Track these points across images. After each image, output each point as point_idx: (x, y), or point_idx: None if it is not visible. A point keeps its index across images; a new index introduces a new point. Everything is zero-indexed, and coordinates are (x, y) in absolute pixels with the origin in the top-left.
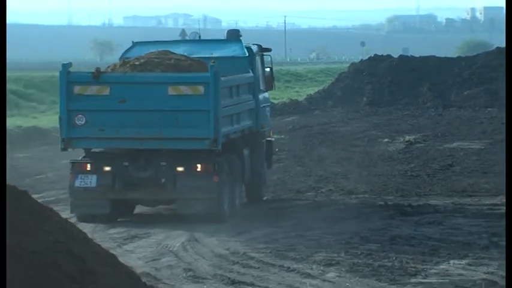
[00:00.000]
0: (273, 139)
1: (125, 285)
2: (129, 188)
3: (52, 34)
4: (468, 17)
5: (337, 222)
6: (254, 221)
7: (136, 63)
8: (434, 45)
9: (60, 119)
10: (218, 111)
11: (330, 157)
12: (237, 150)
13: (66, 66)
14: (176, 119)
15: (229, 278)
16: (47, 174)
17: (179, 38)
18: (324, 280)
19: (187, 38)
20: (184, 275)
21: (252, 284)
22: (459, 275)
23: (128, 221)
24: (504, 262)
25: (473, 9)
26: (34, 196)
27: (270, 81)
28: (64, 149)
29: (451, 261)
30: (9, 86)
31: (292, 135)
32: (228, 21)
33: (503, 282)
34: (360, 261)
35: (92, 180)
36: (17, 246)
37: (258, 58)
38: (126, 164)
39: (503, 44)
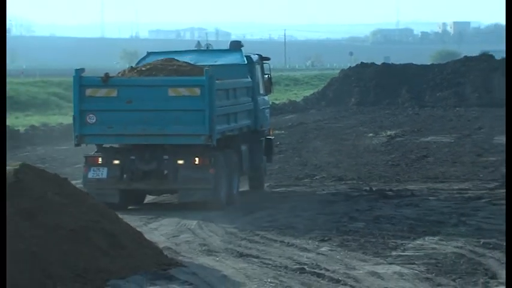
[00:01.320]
0: (273, 137)
1: (150, 257)
2: (136, 179)
3: (88, 45)
4: (440, 31)
5: (329, 204)
6: (259, 203)
7: (143, 69)
8: (411, 54)
9: (74, 118)
10: (213, 111)
11: (323, 149)
12: (234, 145)
13: (78, 71)
14: (176, 117)
15: (238, 252)
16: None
17: (195, 48)
18: (318, 253)
19: (202, 48)
20: (199, 249)
21: (258, 257)
22: (432, 248)
23: (141, 208)
24: (472, 238)
25: (444, 24)
26: (73, 182)
27: (268, 86)
28: (77, 145)
29: (426, 237)
30: (52, 89)
31: (290, 131)
32: (236, 34)
33: (470, 255)
34: (348, 237)
35: (103, 172)
36: (58, 225)
37: (258, 66)
38: (133, 157)
39: (470, 54)
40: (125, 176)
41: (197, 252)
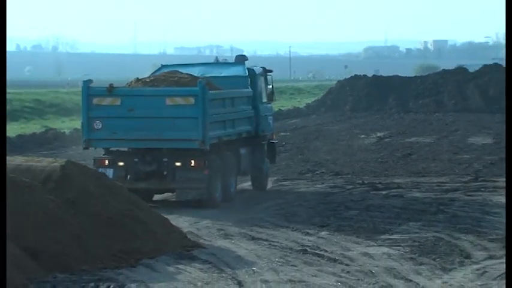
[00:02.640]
0: (276, 141)
1: (175, 240)
2: (139, 179)
3: (122, 60)
4: (422, 47)
5: (328, 195)
6: (268, 195)
7: (147, 80)
8: (397, 68)
9: (82, 124)
10: (206, 118)
11: (323, 148)
12: (233, 148)
13: (86, 82)
14: (172, 124)
15: (250, 235)
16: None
17: (212, 61)
18: (318, 237)
19: (219, 61)
20: (217, 233)
21: (267, 240)
22: (416, 233)
23: (165, 199)
24: (449, 224)
25: (425, 42)
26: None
27: (271, 95)
28: (85, 148)
29: (410, 223)
30: None
31: (294, 133)
32: (248, 51)
33: (448, 238)
34: (344, 223)
35: (109, 173)
36: (97, 213)
37: (261, 77)
38: (136, 160)
39: (447, 67)
40: (128, 176)
41: (215, 236)
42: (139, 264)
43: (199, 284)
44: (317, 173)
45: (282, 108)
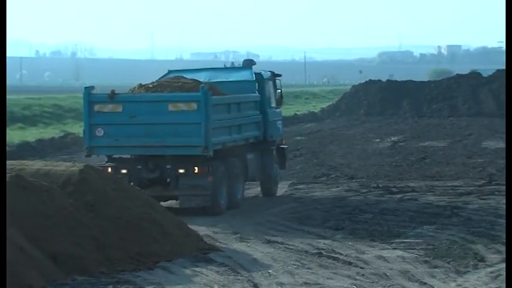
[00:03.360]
0: (286, 146)
1: (192, 243)
2: (142, 186)
3: (139, 66)
4: (436, 52)
5: (343, 199)
6: (283, 198)
7: (150, 86)
8: (411, 72)
9: (84, 131)
10: (208, 124)
11: (337, 152)
12: (239, 154)
13: (88, 89)
14: (175, 130)
15: (266, 238)
16: None
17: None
18: (333, 240)
19: (232, 65)
20: (233, 236)
21: (282, 243)
22: (430, 236)
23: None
24: (463, 227)
25: (439, 47)
26: None
27: (279, 100)
28: (88, 156)
29: (424, 226)
30: None
31: (310, 137)
32: (264, 56)
33: (462, 242)
34: (359, 226)
35: None
36: (116, 216)
37: (269, 82)
38: (139, 167)
39: (461, 72)
40: (132, 183)
41: (231, 239)
42: (156, 267)
43: (215, 286)
44: (332, 177)
45: (297, 113)
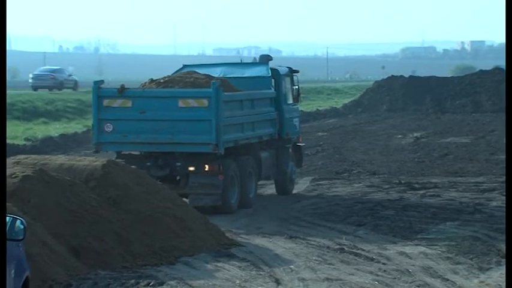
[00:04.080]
0: (303, 144)
1: (214, 238)
2: None
3: (162, 61)
4: (459, 48)
5: (365, 195)
6: (305, 193)
7: (161, 81)
8: (434, 68)
9: (93, 126)
10: (219, 121)
11: (360, 148)
12: (252, 152)
13: (97, 83)
14: (185, 127)
15: (287, 234)
16: None
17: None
18: (355, 236)
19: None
20: (255, 231)
21: (304, 238)
22: (452, 232)
23: None
24: (486, 224)
25: (462, 42)
26: None
27: (296, 97)
28: (96, 152)
29: (447, 223)
30: None
31: (332, 133)
32: (286, 52)
33: (485, 238)
34: (381, 222)
35: None
36: (138, 211)
37: (286, 78)
38: (148, 164)
39: (484, 68)
40: None
41: (253, 234)
42: (178, 262)
43: (237, 281)
44: (354, 173)
45: (320, 108)
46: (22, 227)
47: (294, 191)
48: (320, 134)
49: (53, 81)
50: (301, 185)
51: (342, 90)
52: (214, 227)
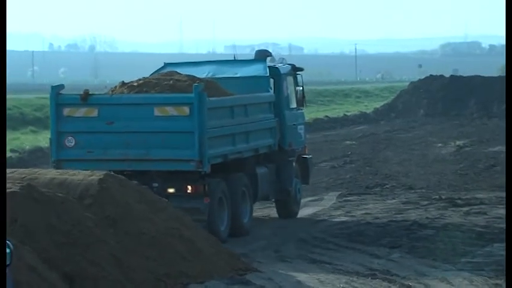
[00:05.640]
0: (310, 156)
1: (226, 263)
2: None
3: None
4: None
5: (400, 212)
6: (331, 211)
7: (135, 84)
8: (479, 66)
9: (50, 141)
10: (203, 132)
11: (394, 159)
12: (246, 169)
13: (55, 88)
14: (162, 140)
15: (311, 258)
16: None
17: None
18: (388, 260)
19: (275, 62)
20: (274, 255)
21: (330, 263)
22: (501, 255)
23: None
24: None
25: None
26: None
27: (301, 100)
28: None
29: (494, 245)
30: None
31: (361, 141)
32: (309, 49)
33: None
34: (418, 244)
35: None
36: (140, 232)
37: (288, 77)
38: None
39: None
40: None
41: (272, 258)
42: None
43: None
44: (387, 187)
45: (347, 114)
46: (8, 250)
47: (319, 208)
48: (348, 142)
49: None
50: (326, 201)
51: (372, 93)
52: (227, 250)
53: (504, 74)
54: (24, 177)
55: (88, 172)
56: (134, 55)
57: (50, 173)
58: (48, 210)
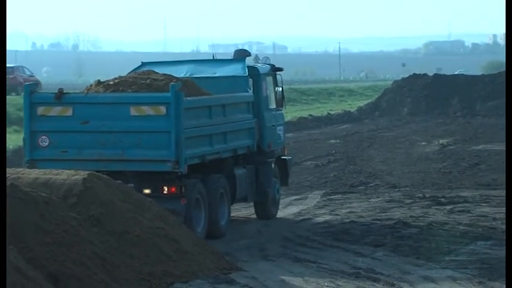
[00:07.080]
0: (290, 157)
1: (211, 262)
2: None
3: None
4: (490, 42)
5: (384, 211)
6: (315, 209)
7: (111, 83)
8: (462, 65)
9: (24, 140)
10: (180, 132)
11: (377, 157)
12: (224, 169)
13: (29, 87)
14: (138, 140)
15: (295, 256)
16: None
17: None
18: (373, 258)
19: (259, 62)
20: (258, 254)
21: (314, 261)
22: (485, 253)
23: None
24: None
25: (494, 35)
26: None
27: (280, 100)
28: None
29: (478, 243)
30: None
31: (345, 140)
32: (292, 48)
33: None
34: (402, 242)
35: None
36: (124, 231)
37: (267, 77)
38: None
39: None
40: None
41: (256, 257)
42: None
43: None
44: (371, 186)
45: (331, 112)
46: None
47: (303, 207)
48: (332, 141)
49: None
50: (310, 200)
51: (356, 92)
52: (211, 249)
53: (488, 73)
54: (7, 177)
55: (72, 172)
56: (118, 54)
57: (33, 173)
58: (32, 209)
